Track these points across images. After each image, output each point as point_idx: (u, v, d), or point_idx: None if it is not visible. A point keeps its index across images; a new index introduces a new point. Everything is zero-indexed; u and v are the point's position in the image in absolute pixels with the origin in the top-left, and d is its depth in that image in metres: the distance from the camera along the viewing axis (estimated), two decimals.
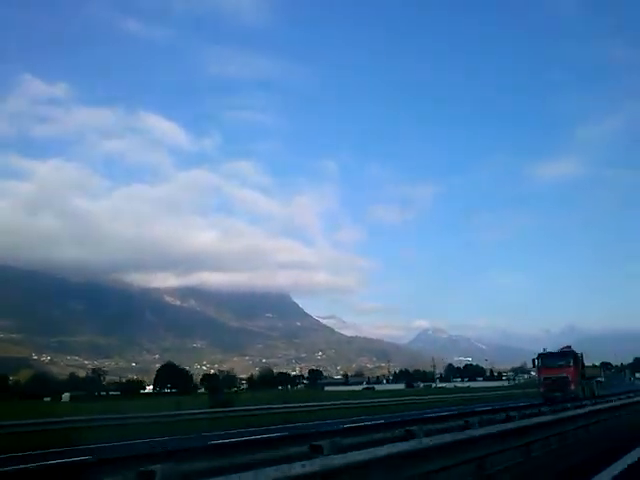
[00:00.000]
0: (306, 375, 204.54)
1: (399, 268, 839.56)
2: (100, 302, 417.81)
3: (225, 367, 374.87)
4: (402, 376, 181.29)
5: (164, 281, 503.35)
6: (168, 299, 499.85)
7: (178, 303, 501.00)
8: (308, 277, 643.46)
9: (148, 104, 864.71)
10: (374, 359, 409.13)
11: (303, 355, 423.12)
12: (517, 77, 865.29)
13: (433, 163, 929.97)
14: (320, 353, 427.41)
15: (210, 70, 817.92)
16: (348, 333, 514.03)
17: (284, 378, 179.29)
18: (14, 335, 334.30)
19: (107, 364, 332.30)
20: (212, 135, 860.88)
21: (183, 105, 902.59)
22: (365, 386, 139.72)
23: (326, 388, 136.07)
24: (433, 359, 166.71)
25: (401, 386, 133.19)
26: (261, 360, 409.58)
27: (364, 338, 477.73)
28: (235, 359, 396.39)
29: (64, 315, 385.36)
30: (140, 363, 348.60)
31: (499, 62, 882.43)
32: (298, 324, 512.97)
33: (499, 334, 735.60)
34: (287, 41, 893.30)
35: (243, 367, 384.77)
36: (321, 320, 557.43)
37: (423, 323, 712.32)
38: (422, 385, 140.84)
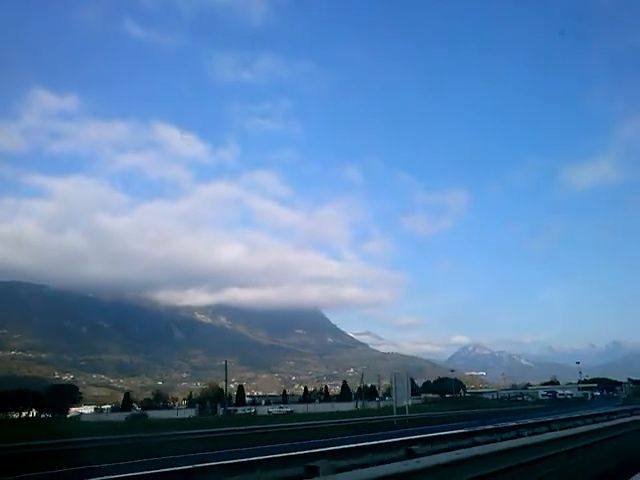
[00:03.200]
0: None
1: (435, 281, 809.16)
2: (128, 320, 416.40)
3: (254, 384, 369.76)
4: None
5: (194, 298, 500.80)
6: (199, 316, 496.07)
7: (209, 320, 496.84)
8: (338, 292, 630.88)
9: (162, 115, 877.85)
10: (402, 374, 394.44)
11: (334, 372, 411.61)
12: (551, 74, 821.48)
13: (465, 169, 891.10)
14: (352, 370, 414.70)
15: (224, 76, 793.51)
16: (384, 350, 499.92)
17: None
18: (43, 355, 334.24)
19: (133, 382, 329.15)
20: (229, 145, 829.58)
21: (198, 115, 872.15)
22: None
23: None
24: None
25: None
26: (291, 377, 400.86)
27: (398, 354, 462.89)
28: (264, 376, 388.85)
29: (92, 334, 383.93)
30: (167, 381, 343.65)
31: (529, 60, 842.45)
32: (330, 340, 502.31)
33: (544, 350, 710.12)
34: (305, 44, 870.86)
35: (272, 384, 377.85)
36: (355, 336, 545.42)
37: (463, 339, 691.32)
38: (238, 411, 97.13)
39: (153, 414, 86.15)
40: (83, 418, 73.46)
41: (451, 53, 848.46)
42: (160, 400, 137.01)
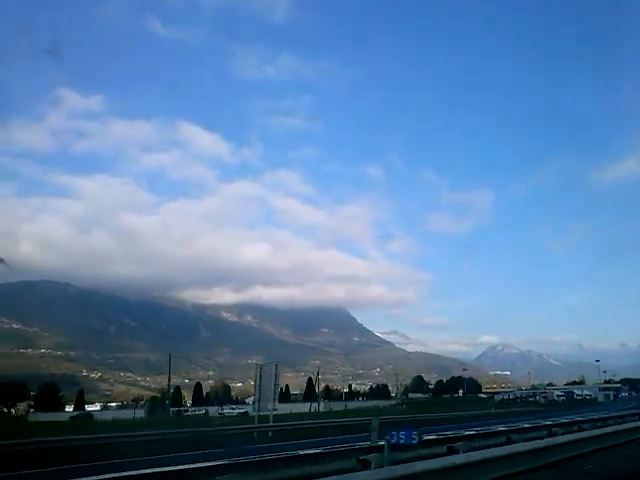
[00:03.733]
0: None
1: (461, 281, 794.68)
2: (155, 319, 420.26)
3: (280, 383, 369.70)
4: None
5: (220, 297, 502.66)
6: (225, 315, 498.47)
7: (235, 319, 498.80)
8: (364, 290, 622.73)
9: (185, 114, 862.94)
10: (435, 375, 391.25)
11: (360, 371, 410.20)
12: (580, 70, 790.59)
13: (490, 168, 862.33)
14: (378, 369, 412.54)
15: (246, 74, 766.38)
16: (411, 349, 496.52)
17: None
18: (71, 353, 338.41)
19: (159, 380, 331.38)
20: (252, 144, 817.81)
21: (221, 113, 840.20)
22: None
23: None
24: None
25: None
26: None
27: (425, 353, 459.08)
28: (290, 375, 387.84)
29: (119, 332, 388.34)
30: (193, 379, 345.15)
31: (558, 57, 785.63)
32: (356, 339, 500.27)
33: (574, 349, 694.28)
34: (326, 41, 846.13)
35: (297, 383, 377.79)
36: (382, 335, 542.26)
37: (491, 338, 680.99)
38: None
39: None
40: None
41: (475, 53, 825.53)
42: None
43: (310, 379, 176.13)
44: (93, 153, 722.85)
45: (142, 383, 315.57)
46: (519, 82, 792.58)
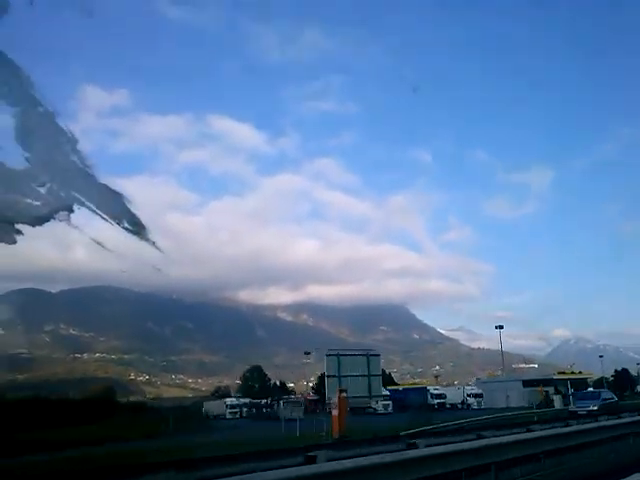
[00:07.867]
0: None
1: (526, 270, 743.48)
2: (211, 320, 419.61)
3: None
4: None
5: (275, 297, 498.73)
6: (281, 315, 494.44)
7: (291, 319, 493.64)
8: (423, 285, 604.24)
9: (214, 106, 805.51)
10: (498, 372, 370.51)
11: (419, 370, 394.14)
12: None
13: (548, 143, 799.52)
14: (437, 367, 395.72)
15: (270, 56, 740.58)
16: (477, 345, 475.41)
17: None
18: (125, 356, 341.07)
19: (211, 382, 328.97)
20: (287, 132, 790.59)
21: (250, 101, 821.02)
22: None
23: None
24: None
25: None
26: None
27: (488, 350, 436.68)
28: None
29: (175, 335, 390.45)
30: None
31: (625, 16, 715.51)
32: (416, 336, 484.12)
33: None
34: (357, 13, 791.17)
35: None
36: (447, 332, 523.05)
37: (564, 333, 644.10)
38: None
39: None
40: None
41: (523, 21, 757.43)
42: None
43: None
44: (128, 152, 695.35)
45: (192, 385, 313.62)
46: (572, 43, 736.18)
